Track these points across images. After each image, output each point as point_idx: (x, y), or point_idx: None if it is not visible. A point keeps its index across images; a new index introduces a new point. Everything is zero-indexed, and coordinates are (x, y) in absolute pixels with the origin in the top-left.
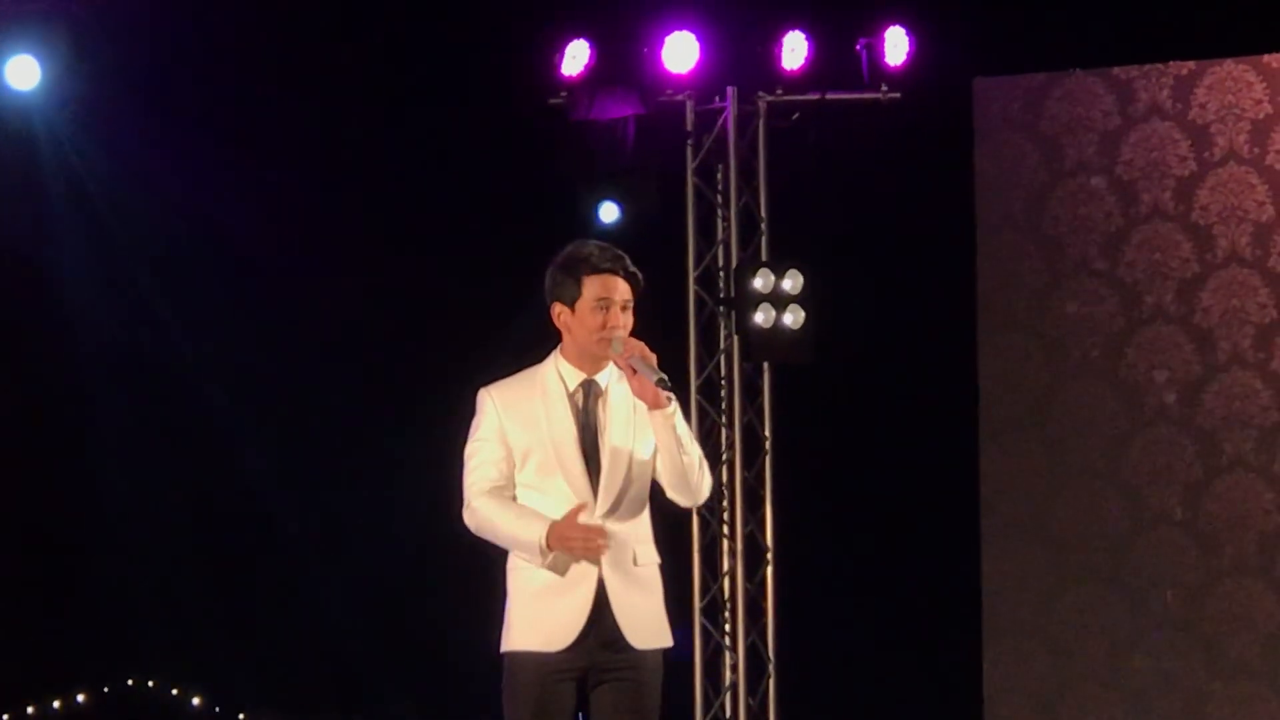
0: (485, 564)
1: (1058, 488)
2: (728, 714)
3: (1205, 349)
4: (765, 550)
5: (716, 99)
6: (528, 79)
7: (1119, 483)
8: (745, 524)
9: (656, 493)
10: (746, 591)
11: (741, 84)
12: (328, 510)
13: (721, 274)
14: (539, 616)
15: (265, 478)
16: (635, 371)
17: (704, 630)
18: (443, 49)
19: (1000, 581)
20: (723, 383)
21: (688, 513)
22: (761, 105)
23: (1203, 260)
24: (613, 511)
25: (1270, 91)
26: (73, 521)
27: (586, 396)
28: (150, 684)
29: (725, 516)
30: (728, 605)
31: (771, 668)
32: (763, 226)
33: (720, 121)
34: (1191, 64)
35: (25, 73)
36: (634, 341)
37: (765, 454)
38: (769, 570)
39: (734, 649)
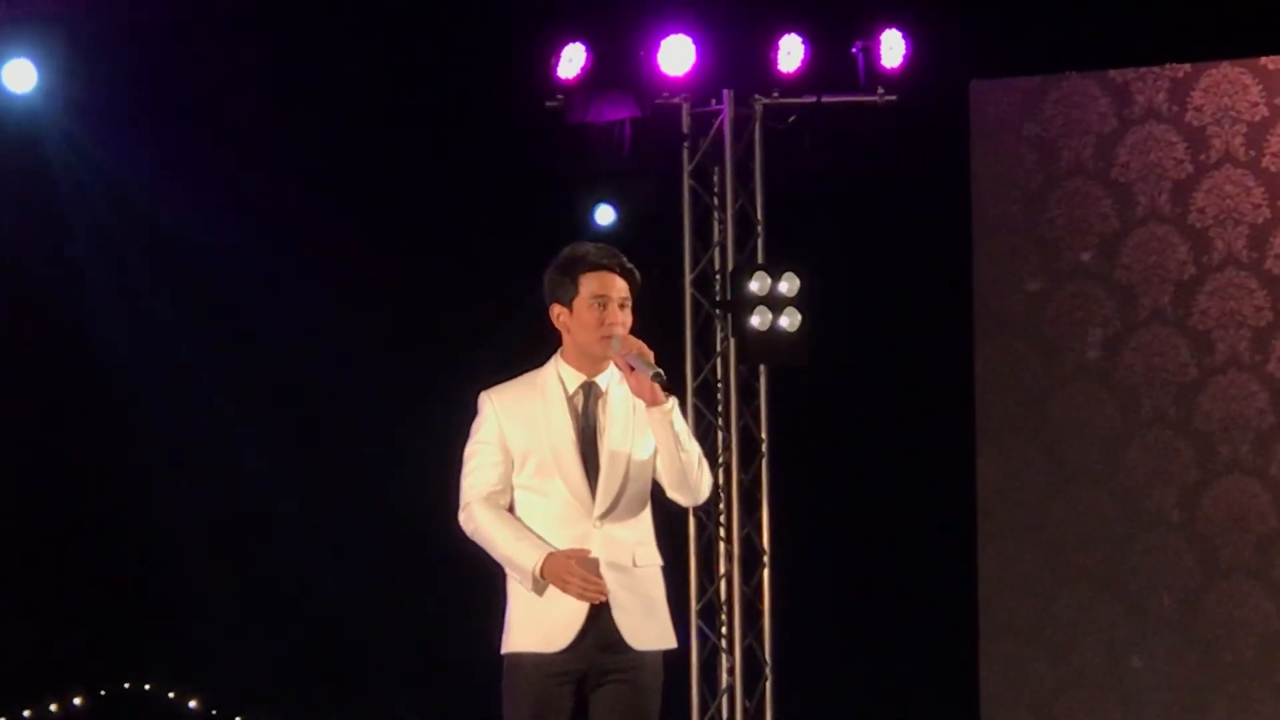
0: (485, 565)
1: (1054, 490)
2: (724, 716)
3: (1202, 351)
4: (762, 552)
5: (713, 102)
6: (524, 82)
7: (1116, 485)
8: (742, 526)
9: (658, 493)
10: (743, 594)
11: (738, 87)
12: (327, 511)
13: (718, 276)
14: (538, 617)
15: (264, 479)
16: (633, 369)
17: (700, 632)
18: (439, 52)
19: (997, 584)
20: (719, 385)
21: (684, 515)
22: (758, 108)
23: (1199, 262)
24: (610, 512)
25: (1267, 94)
26: (70, 523)
27: (587, 398)
28: (147, 687)
29: (722, 519)
30: (724, 607)
31: (768, 670)
32: (759, 229)
33: (716, 124)
34: (1188, 66)
35: (22, 76)
36: (632, 339)
37: (762, 456)
38: (765, 572)
39: (730, 651)
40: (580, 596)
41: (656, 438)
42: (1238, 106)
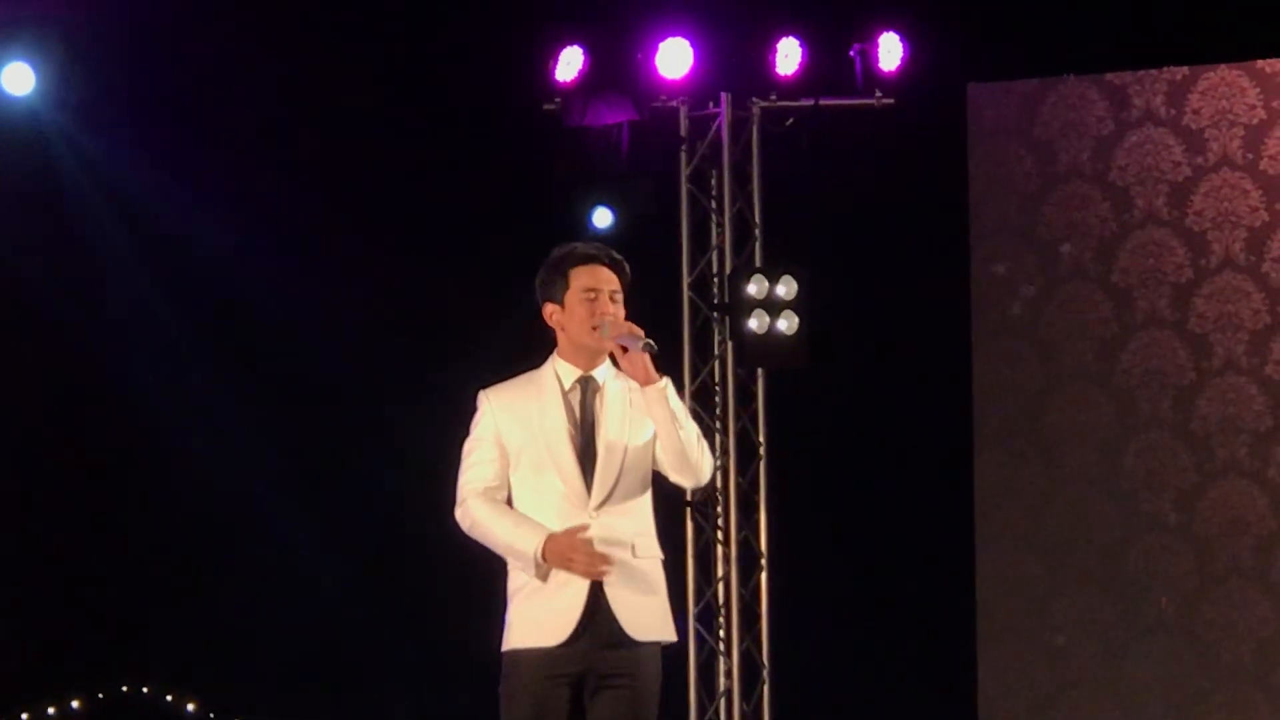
0: (484, 564)
1: (1052, 493)
2: (722, 719)
3: (1199, 354)
4: (760, 556)
5: (710, 105)
6: (522, 85)
7: (1113, 488)
8: (740, 529)
9: (662, 485)
10: (741, 597)
11: (735, 90)
12: (325, 513)
13: (715, 280)
14: (536, 612)
15: (263, 480)
16: (625, 350)
17: (698, 635)
18: (438, 54)
19: (995, 587)
20: (717, 388)
21: (682, 517)
22: (755, 111)
23: (1197, 265)
24: (607, 501)
25: (1264, 97)
26: (68, 525)
27: (583, 393)
28: (145, 690)
29: (720, 522)
30: (722, 610)
31: (766, 673)
32: (757, 232)
33: (714, 127)
34: (1185, 70)
35: (20, 79)
36: (621, 321)
37: (760, 459)
38: (763, 576)
39: (728, 655)
40: (585, 573)
41: (653, 417)
42: (1235, 109)
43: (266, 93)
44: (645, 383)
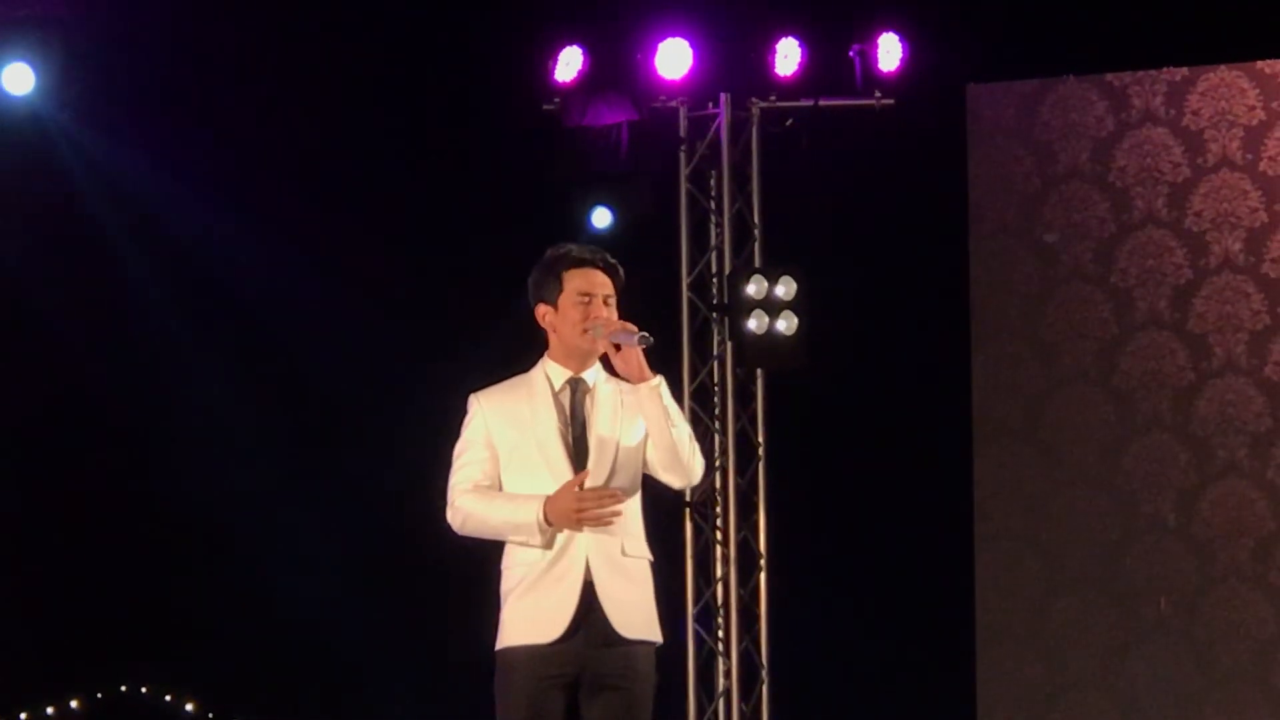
0: (480, 565)
1: (1051, 494)
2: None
3: (1199, 355)
4: (759, 556)
5: (710, 105)
6: (521, 85)
7: (1112, 489)
8: (739, 530)
9: (653, 486)
10: (740, 597)
11: (735, 90)
12: (323, 513)
13: (715, 280)
14: (530, 610)
15: (262, 480)
16: (619, 348)
17: (697, 636)
18: (437, 55)
19: (993, 587)
20: (716, 389)
21: (681, 518)
22: (755, 111)
23: (1196, 266)
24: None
25: (1263, 97)
26: (66, 526)
27: (574, 394)
28: (143, 690)
29: (719, 522)
30: (721, 611)
31: (765, 674)
32: (756, 233)
33: (713, 128)
34: (1185, 70)
35: (19, 79)
36: (614, 320)
37: (759, 460)
38: (762, 576)
39: (727, 655)
40: (597, 519)
41: (646, 415)
42: (1235, 110)
43: (266, 91)
44: (639, 380)
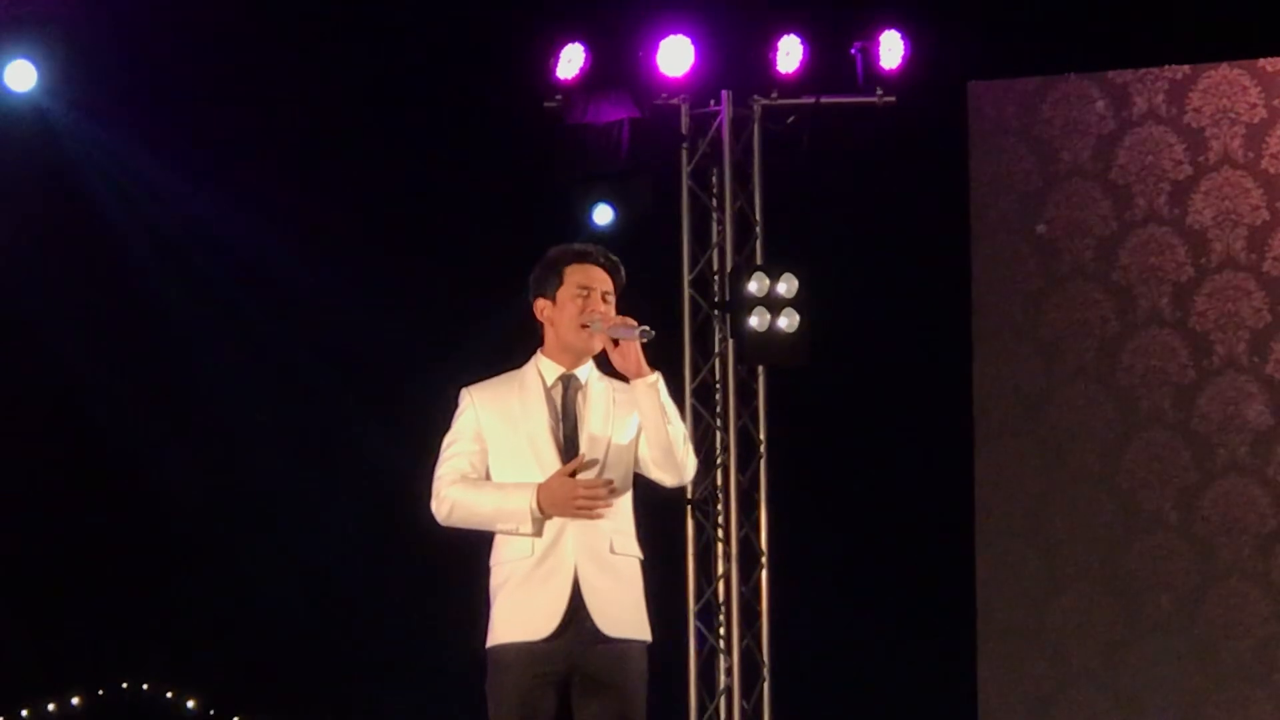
0: (475, 564)
1: (1052, 491)
2: (722, 717)
3: (1200, 353)
4: (760, 553)
5: (711, 103)
6: (523, 82)
7: (1113, 486)
8: (740, 527)
9: (643, 484)
10: (741, 595)
11: (736, 88)
12: (322, 513)
13: (716, 277)
14: (520, 607)
15: (260, 480)
16: (617, 343)
17: (698, 633)
18: (438, 52)
19: (995, 585)
20: (717, 386)
21: (682, 516)
22: (756, 109)
23: (1198, 264)
24: None
25: (1265, 95)
26: (65, 526)
27: (565, 389)
28: (145, 687)
29: (720, 520)
30: (722, 608)
31: (766, 671)
32: (757, 230)
33: (715, 125)
34: (1186, 68)
35: (22, 75)
36: (611, 315)
37: (760, 457)
38: (763, 573)
39: (728, 652)
40: (591, 507)
41: (643, 411)
42: (1236, 108)
43: (268, 88)
44: (637, 375)
